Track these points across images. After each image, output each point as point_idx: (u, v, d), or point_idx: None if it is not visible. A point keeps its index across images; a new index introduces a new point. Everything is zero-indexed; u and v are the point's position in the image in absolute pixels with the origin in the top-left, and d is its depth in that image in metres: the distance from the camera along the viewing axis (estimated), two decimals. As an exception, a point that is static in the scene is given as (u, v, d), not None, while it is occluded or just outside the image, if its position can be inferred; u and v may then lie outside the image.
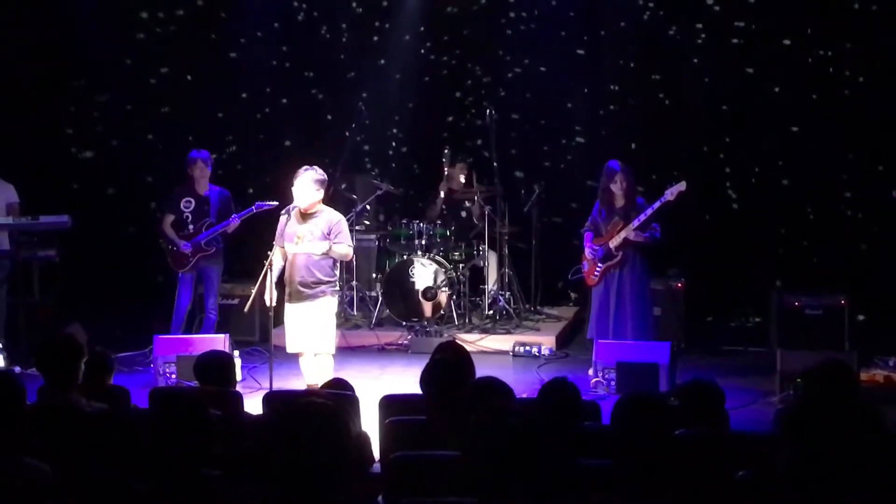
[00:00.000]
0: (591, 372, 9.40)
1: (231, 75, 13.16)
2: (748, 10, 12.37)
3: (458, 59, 13.29)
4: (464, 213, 12.32)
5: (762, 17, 12.32)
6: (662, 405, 4.54)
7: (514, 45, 13.07)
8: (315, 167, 8.52)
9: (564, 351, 11.09)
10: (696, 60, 12.55)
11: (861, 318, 11.40)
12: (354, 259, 10.70)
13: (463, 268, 11.78)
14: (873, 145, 12.14)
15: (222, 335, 9.68)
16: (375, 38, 13.28)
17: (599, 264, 9.65)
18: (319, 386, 6.67)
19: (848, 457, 4.06)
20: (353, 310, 11.95)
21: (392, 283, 11.59)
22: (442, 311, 11.49)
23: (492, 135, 11.82)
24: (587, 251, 9.75)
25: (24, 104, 12.56)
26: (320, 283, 8.47)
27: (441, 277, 11.46)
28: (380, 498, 4.74)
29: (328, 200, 8.78)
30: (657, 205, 9.44)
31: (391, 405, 6.06)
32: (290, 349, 8.65)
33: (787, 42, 12.28)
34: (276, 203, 9.37)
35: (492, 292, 11.85)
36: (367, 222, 12.32)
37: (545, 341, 11.03)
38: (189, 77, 13.14)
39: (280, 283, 8.60)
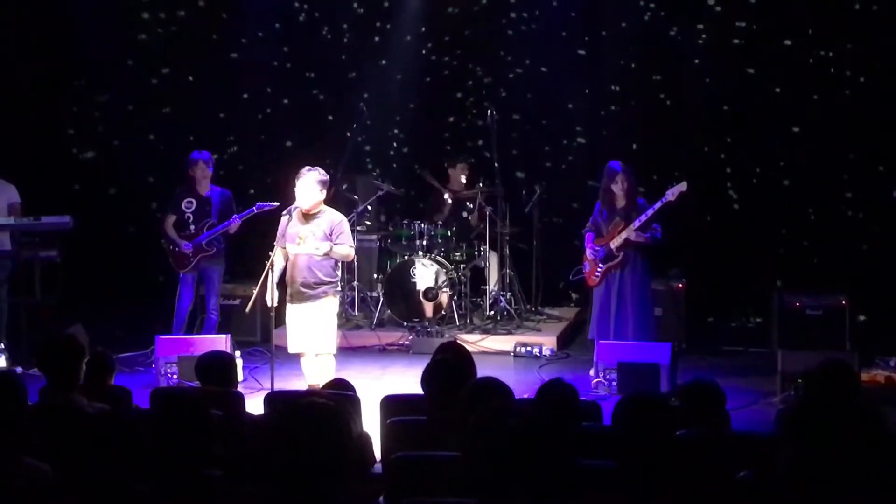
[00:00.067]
0: (592, 372, 9.40)
1: (232, 76, 13.16)
2: (749, 11, 12.36)
3: (459, 59, 13.28)
4: (465, 214, 12.33)
5: (763, 18, 12.31)
6: (663, 406, 4.55)
7: (515, 46, 13.06)
8: (317, 168, 8.53)
9: (565, 351, 11.09)
10: (696, 61, 12.55)
11: (862, 318, 11.40)
12: (356, 259, 10.71)
13: (464, 268, 11.78)
14: (874, 145, 12.13)
15: (224, 335, 9.69)
16: (376, 39, 13.28)
17: (600, 265, 9.65)
18: (321, 386, 6.67)
19: (849, 457, 4.06)
20: (354, 310, 11.95)
21: (393, 283, 11.59)
22: (443, 312, 11.49)
23: (493, 135, 11.82)
24: (588, 252, 9.75)
25: (25, 104, 12.56)
26: (322, 283, 8.47)
27: (442, 278, 11.46)
28: (381, 498, 4.75)
29: (329, 201, 8.78)
30: (658, 205, 9.45)
31: (392, 405, 6.06)
32: (291, 349, 8.66)
33: (787, 42, 12.28)
34: (276, 203, 9.37)
35: (493, 293, 11.85)
36: (369, 223, 12.32)
37: (546, 342, 11.04)
38: (190, 77, 13.13)
39: (281, 284, 8.60)
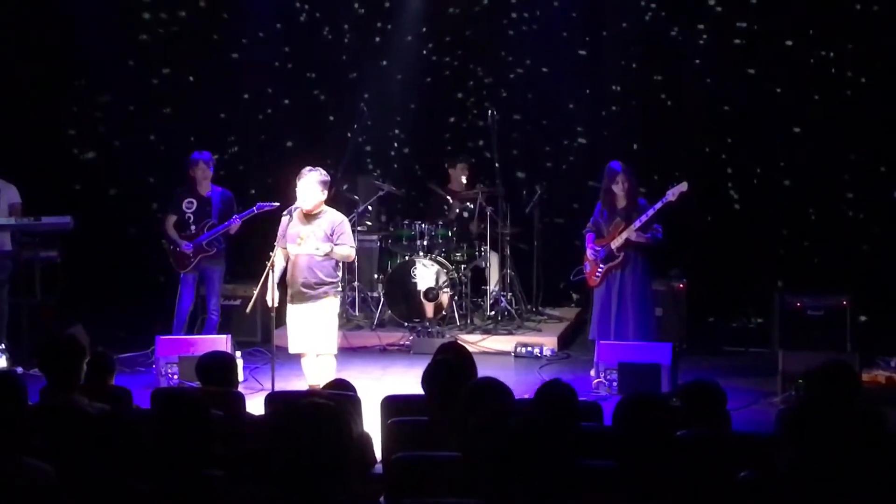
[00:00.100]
0: (592, 373, 9.39)
1: (233, 76, 13.16)
2: (750, 11, 12.36)
3: (460, 59, 13.29)
4: (465, 214, 12.33)
5: (764, 18, 12.31)
6: (664, 406, 4.55)
7: (515, 46, 13.06)
8: (318, 168, 8.53)
9: (566, 352, 11.09)
10: (697, 61, 12.54)
11: (863, 318, 11.38)
12: (356, 260, 10.71)
13: (465, 268, 11.78)
14: (875, 146, 12.13)
15: (224, 336, 9.68)
16: (377, 39, 13.28)
17: (601, 265, 9.65)
18: (321, 386, 6.67)
19: (850, 458, 4.06)
20: (354, 310, 11.95)
21: (394, 283, 11.59)
22: (444, 312, 11.49)
23: (493, 135, 11.82)
24: (589, 252, 9.74)
25: (26, 105, 12.55)
26: (323, 283, 8.47)
27: (443, 278, 11.45)
28: (381, 499, 4.74)
29: (330, 201, 8.78)
30: (659, 205, 9.44)
31: (393, 406, 6.06)
32: (292, 350, 8.66)
33: (788, 43, 12.28)
34: (277, 204, 9.37)
35: (493, 293, 11.85)
36: (369, 223, 12.32)
37: (547, 342, 11.04)
38: (191, 78, 13.13)
39: (282, 284, 8.60)
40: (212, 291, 10.49)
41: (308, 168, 8.49)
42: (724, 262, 12.33)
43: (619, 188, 9.62)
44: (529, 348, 10.89)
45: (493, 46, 13.15)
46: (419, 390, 5.66)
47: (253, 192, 12.06)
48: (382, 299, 11.67)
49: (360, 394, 6.31)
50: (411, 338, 11.16)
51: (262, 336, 10.86)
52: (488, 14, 13.10)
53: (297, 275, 8.46)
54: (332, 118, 13.36)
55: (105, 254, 12.85)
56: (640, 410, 4.39)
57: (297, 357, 8.71)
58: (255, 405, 7.21)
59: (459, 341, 8.75)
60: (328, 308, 8.53)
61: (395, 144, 13.47)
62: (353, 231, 9.26)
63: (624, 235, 9.52)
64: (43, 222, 10.22)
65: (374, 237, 12.34)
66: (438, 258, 11.58)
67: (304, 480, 3.57)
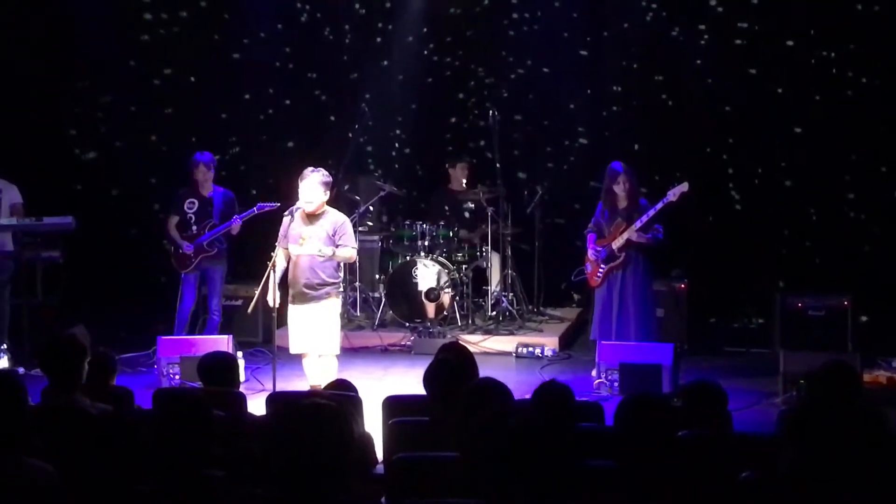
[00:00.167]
0: (594, 373, 9.39)
1: (234, 76, 13.16)
2: (751, 11, 12.36)
3: (461, 60, 13.29)
4: (467, 214, 12.33)
5: (765, 18, 12.31)
6: (665, 406, 4.55)
7: (516, 47, 13.06)
8: (320, 168, 8.53)
9: (567, 352, 11.10)
10: (698, 61, 12.54)
11: (864, 319, 11.39)
12: (358, 260, 10.71)
13: (466, 269, 11.78)
14: (876, 146, 12.13)
15: (226, 336, 9.70)
16: (378, 40, 13.28)
17: (602, 265, 9.65)
18: (322, 387, 6.68)
19: (851, 458, 4.06)
20: (356, 311, 11.96)
21: (395, 284, 11.59)
22: (445, 313, 11.49)
23: (494, 136, 11.83)
24: (590, 252, 9.74)
25: (28, 105, 12.56)
26: (325, 284, 8.47)
27: (444, 278, 11.46)
28: (383, 499, 4.75)
29: (331, 202, 8.78)
30: (660, 206, 9.44)
31: (394, 406, 6.06)
32: (293, 350, 8.66)
33: (789, 43, 12.28)
34: (277, 204, 9.38)
35: (495, 293, 11.85)
36: (371, 223, 12.32)
37: (548, 342, 11.04)
38: (192, 78, 13.13)
39: (283, 284, 8.60)
40: (213, 292, 10.49)
41: (310, 169, 8.49)
42: (725, 262, 12.33)
43: (620, 188, 9.61)
44: (531, 349, 10.89)
45: (494, 47, 13.15)
46: (420, 391, 5.67)
47: (254, 192, 12.06)
48: (384, 299, 11.68)
49: (361, 394, 6.31)
50: (412, 338, 11.16)
51: (263, 336, 10.86)
52: (489, 14, 13.10)
53: (299, 275, 8.46)
54: (333, 118, 13.36)
55: (106, 254, 12.86)
56: (641, 411, 4.40)
57: (299, 357, 8.72)
58: (257, 405, 7.21)
59: (461, 342, 8.75)
60: (330, 308, 8.53)
61: (397, 145, 13.47)
62: (355, 231, 9.26)
63: (625, 236, 9.52)
64: (44, 223, 10.22)
65: (376, 237, 12.35)
66: (440, 258, 11.58)
67: (305, 481, 3.57)
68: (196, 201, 10.42)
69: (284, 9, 13.16)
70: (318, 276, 8.44)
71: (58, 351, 5.55)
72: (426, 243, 11.59)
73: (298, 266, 8.47)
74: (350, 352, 10.52)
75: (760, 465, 4.24)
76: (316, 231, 8.42)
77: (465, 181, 12.33)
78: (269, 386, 8.61)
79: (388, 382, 9.52)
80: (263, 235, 9.49)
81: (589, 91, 12.84)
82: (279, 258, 8.48)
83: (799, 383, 8.41)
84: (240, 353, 9.25)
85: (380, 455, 5.57)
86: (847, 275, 11.60)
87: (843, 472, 4.02)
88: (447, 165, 12.51)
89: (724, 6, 12.48)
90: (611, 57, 12.80)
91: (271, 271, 8.39)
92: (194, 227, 10.37)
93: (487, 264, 11.84)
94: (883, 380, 9.65)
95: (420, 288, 11.49)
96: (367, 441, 5.42)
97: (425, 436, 5.22)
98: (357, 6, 13.27)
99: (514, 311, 11.67)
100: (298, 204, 8.45)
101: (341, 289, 8.87)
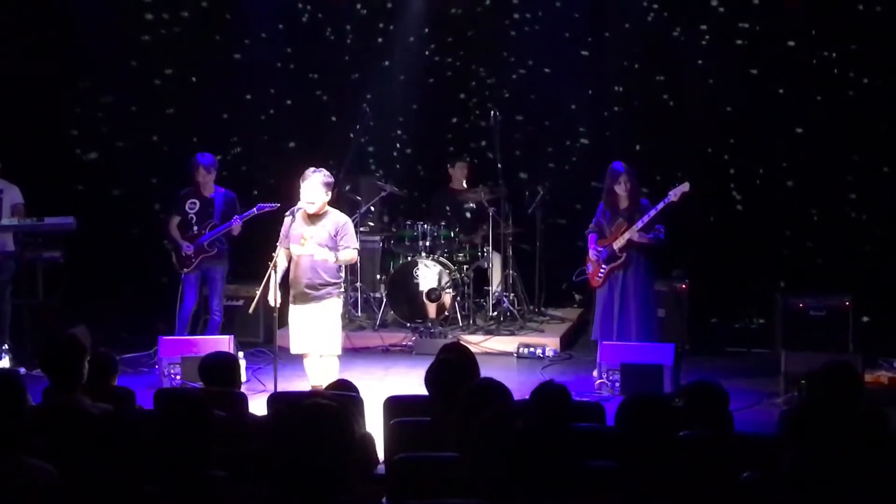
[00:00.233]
0: (595, 373, 9.40)
1: (235, 77, 13.16)
2: (752, 12, 12.36)
3: (463, 60, 13.29)
4: (468, 214, 12.34)
5: (766, 19, 12.30)
6: (666, 406, 4.55)
7: (518, 47, 13.06)
8: (322, 169, 8.53)
9: (568, 352, 11.10)
10: (700, 62, 12.53)
11: (865, 319, 11.38)
12: (359, 260, 10.71)
13: (467, 269, 11.78)
14: (878, 147, 12.12)
15: (227, 336, 9.70)
16: (380, 40, 13.28)
17: (603, 266, 9.65)
18: (324, 387, 6.68)
19: (852, 458, 4.06)
20: (357, 311, 11.96)
21: (396, 284, 11.59)
22: (446, 313, 11.49)
23: (496, 136, 11.83)
24: (591, 253, 9.74)
25: (29, 106, 12.55)
26: (327, 284, 8.47)
27: (445, 279, 11.46)
28: (384, 499, 4.75)
29: (333, 202, 8.78)
30: (661, 206, 9.44)
31: (395, 406, 6.07)
32: (294, 350, 8.65)
33: (791, 43, 12.27)
34: (277, 205, 9.38)
35: (496, 294, 11.85)
36: (372, 224, 12.32)
37: (549, 343, 11.04)
38: (193, 78, 13.13)
39: (284, 285, 8.59)
40: (214, 292, 10.50)
41: (312, 169, 8.48)
42: (726, 262, 12.33)
43: (621, 189, 9.61)
44: (532, 349, 10.89)
45: (495, 47, 13.15)
46: (422, 391, 5.67)
47: (255, 192, 12.05)
48: (385, 300, 11.68)
49: (362, 394, 6.31)
50: (414, 338, 11.16)
51: (264, 337, 10.87)
52: (490, 14, 13.10)
53: (301, 275, 8.46)
54: (334, 119, 13.36)
55: (108, 254, 12.84)
56: (642, 411, 4.40)
57: (300, 358, 8.71)
58: (258, 406, 7.21)
59: (462, 342, 8.75)
60: (331, 309, 8.53)
61: (398, 145, 13.47)
62: (356, 232, 9.26)
63: (626, 236, 9.52)
64: (46, 223, 10.22)
65: (377, 238, 12.35)
66: (441, 259, 11.58)
67: (306, 481, 3.57)
68: (197, 202, 10.42)
69: (286, 9, 13.16)
70: (319, 276, 8.44)
71: (56, 351, 5.55)
72: (427, 244, 11.59)
73: (300, 266, 8.46)
74: (351, 352, 10.51)
75: (762, 466, 4.24)
76: (317, 231, 8.42)
77: (465, 180, 12.33)
78: (271, 386, 8.60)
79: (389, 383, 9.52)
80: (264, 236, 9.49)
81: (590, 91, 12.84)
82: (280, 258, 8.47)
83: (800, 383, 8.41)
84: (241, 354, 9.25)
85: (381, 455, 5.57)
86: (848, 275, 11.60)
87: (845, 473, 4.02)
88: (448, 165, 12.52)
89: (725, 6, 12.47)
90: (612, 57, 12.80)
91: (272, 271, 8.38)
92: (195, 228, 10.37)
93: (489, 264, 11.85)
94: (884, 380, 9.64)
95: (421, 288, 11.49)
96: (369, 441, 5.42)
97: (426, 436, 5.22)
98: (358, 6, 13.27)
99: (516, 312, 11.67)
100: (300, 204, 8.44)
101: (342, 289, 8.86)
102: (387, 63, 13.27)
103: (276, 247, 8.51)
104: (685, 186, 9.41)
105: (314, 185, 8.39)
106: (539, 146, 13.06)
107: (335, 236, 8.42)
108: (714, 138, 12.56)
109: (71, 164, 13.09)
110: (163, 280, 11.66)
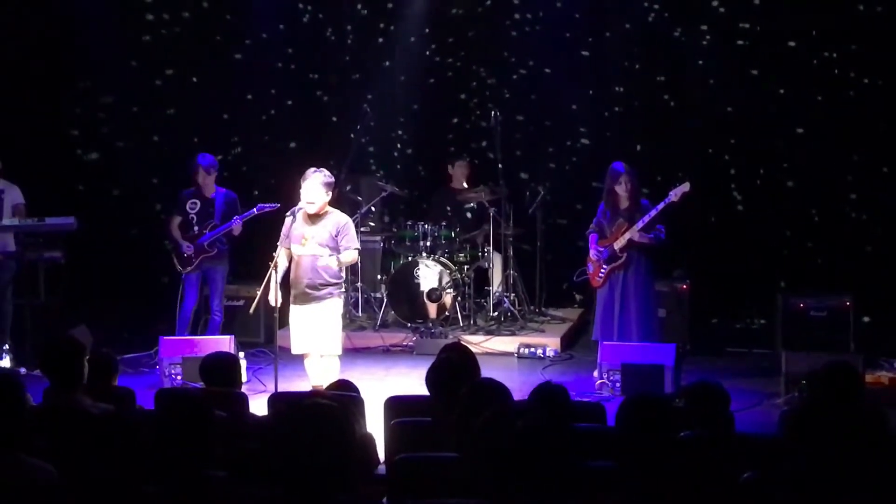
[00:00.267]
0: (595, 374, 9.40)
1: (236, 77, 13.17)
2: (753, 12, 12.36)
3: (463, 60, 13.29)
4: (469, 214, 12.34)
5: (767, 19, 12.31)
6: (667, 407, 4.55)
7: (518, 47, 13.07)
8: (322, 169, 8.52)
9: (569, 353, 11.10)
10: (700, 62, 12.54)
11: (866, 319, 11.38)
12: (360, 261, 10.70)
13: (468, 269, 11.78)
14: (878, 147, 12.13)
15: (227, 336, 9.70)
16: (380, 40, 13.29)
17: (604, 266, 9.65)
18: (324, 387, 6.68)
19: (853, 459, 4.06)
20: (358, 311, 11.96)
21: (397, 284, 11.59)
22: (447, 313, 11.49)
23: (496, 136, 11.83)
24: (592, 253, 9.74)
25: (29, 106, 12.56)
26: (327, 284, 8.47)
27: (446, 279, 11.46)
28: (384, 499, 4.75)
29: (333, 202, 8.78)
30: (661, 206, 9.43)
31: (396, 407, 6.06)
32: (295, 350, 8.65)
33: (792, 44, 12.28)
34: (277, 205, 9.38)
35: (497, 294, 11.85)
36: (372, 224, 12.32)
37: (550, 343, 11.04)
38: (194, 79, 13.14)
39: (284, 285, 8.59)
40: (215, 292, 10.50)
41: (312, 169, 8.48)
42: (727, 262, 12.33)
43: (621, 189, 9.61)
44: (532, 349, 10.89)
45: (495, 47, 13.16)
46: (422, 391, 5.67)
47: (256, 192, 12.05)
48: (386, 300, 11.68)
49: (363, 395, 6.31)
50: (414, 339, 11.16)
51: (265, 337, 10.87)
52: (491, 15, 13.10)
53: (302, 275, 8.46)
54: (335, 119, 13.37)
55: (108, 254, 12.85)
56: (643, 411, 4.40)
57: (300, 358, 8.71)
58: (259, 406, 7.21)
59: (462, 342, 8.75)
60: (332, 309, 8.53)
61: (398, 145, 13.48)
62: (357, 232, 9.26)
63: (627, 236, 9.52)
64: (46, 223, 10.23)
65: (378, 238, 12.35)
66: (441, 259, 11.57)
67: (306, 481, 3.57)
68: (198, 202, 10.43)
69: (286, 9, 13.17)
70: (320, 276, 8.44)
71: (55, 351, 5.55)
72: (428, 244, 11.59)
73: (300, 266, 8.46)
74: (352, 352, 10.51)
75: (762, 466, 4.24)
76: (318, 231, 8.42)
77: (465, 180, 12.33)
78: (271, 386, 8.60)
79: (389, 383, 9.52)
80: (265, 236, 9.49)
81: (591, 91, 12.84)
82: (281, 258, 8.47)
83: (801, 384, 8.40)
84: (241, 354, 9.24)
85: (381, 455, 5.57)
86: (849, 275, 11.60)
87: (845, 473, 4.02)
88: (448, 165, 12.51)
89: (725, 7, 12.48)
90: (612, 57, 12.81)
91: (273, 271, 8.38)
92: (196, 228, 10.37)
93: (489, 265, 11.84)
94: (885, 380, 9.61)
95: (422, 288, 11.49)
96: (369, 441, 5.42)
97: (427, 436, 5.21)
98: (359, 7, 13.28)
99: (516, 312, 11.66)
100: (301, 204, 8.44)
101: (343, 289, 8.86)
102: (387, 63, 13.27)
103: (276, 247, 8.51)
104: (686, 186, 9.40)
105: (314, 186, 8.39)
106: (539, 146, 13.06)
107: (336, 236, 8.42)
108: (714, 138, 12.57)
109: (71, 164, 13.09)
110: (163, 280, 11.68)
